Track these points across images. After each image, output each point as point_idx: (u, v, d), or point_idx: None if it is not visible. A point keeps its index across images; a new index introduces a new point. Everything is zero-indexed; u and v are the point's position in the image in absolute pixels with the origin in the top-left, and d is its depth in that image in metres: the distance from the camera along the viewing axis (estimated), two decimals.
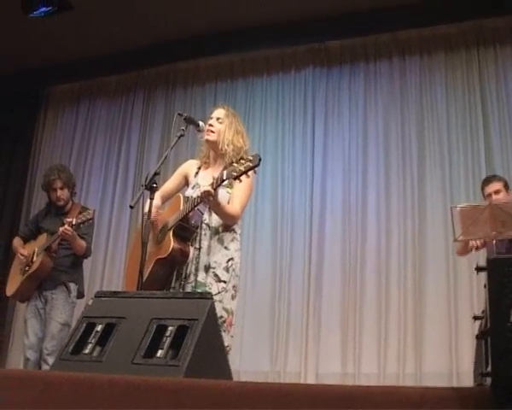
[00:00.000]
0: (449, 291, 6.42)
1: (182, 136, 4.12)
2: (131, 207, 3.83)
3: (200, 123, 4.32)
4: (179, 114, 4.20)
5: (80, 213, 5.68)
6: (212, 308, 2.58)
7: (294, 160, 7.34)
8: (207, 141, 4.36)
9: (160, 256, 4.01)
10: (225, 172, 3.77)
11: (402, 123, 7.02)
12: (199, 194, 3.97)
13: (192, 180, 4.41)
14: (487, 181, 5.07)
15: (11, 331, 8.21)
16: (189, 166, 4.53)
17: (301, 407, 1.65)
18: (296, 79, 7.64)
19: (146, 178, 3.83)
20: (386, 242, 6.79)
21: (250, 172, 3.80)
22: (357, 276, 6.76)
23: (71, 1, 7.54)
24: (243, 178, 3.83)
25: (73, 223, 5.43)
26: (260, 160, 3.69)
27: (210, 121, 4.37)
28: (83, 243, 5.77)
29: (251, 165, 3.67)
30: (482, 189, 5.06)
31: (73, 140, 8.87)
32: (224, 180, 3.78)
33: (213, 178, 3.89)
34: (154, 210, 3.99)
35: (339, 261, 6.86)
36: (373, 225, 6.87)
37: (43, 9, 7.65)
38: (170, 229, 4.04)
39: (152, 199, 3.83)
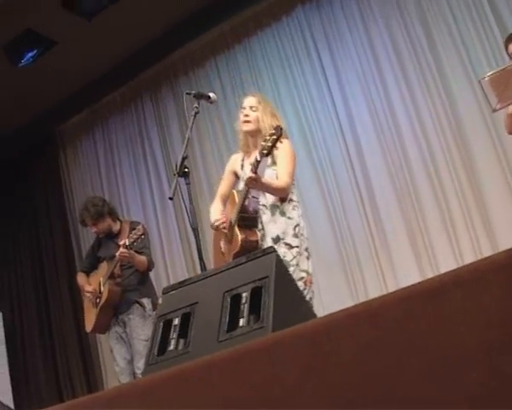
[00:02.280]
0: (500, 163, 6.21)
1: (197, 113, 4.16)
2: (171, 198, 3.83)
3: (211, 94, 4.36)
4: (187, 93, 4.25)
5: (131, 229, 5.70)
6: (279, 260, 2.51)
7: (313, 100, 7.21)
8: (246, 131, 4.51)
9: (234, 252, 4.15)
10: (258, 155, 3.98)
11: (403, 20, 6.78)
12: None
13: (241, 174, 4.57)
14: (510, 38, 4.82)
15: (101, 365, 8.41)
16: (234, 161, 4.72)
17: (394, 313, 1.56)
18: (290, 23, 7.47)
19: (176, 166, 3.84)
20: (425, 139, 6.62)
21: (285, 139, 4.21)
22: (409, 184, 6.63)
23: (54, 37, 7.50)
24: (281, 147, 4.09)
25: (127, 244, 5.46)
26: (281, 129, 3.92)
27: (244, 111, 4.49)
28: (143, 259, 5.79)
29: (275, 137, 3.86)
30: (506, 47, 4.81)
31: (99, 166, 8.93)
32: (259, 162, 3.98)
33: (250, 164, 4.10)
34: (219, 215, 4.41)
35: (387, 178, 6.74)
36: (408, 129, 6.70)
37: (30, 55, 7.65)
38: (234, 224, 4.22)
39: (188, 184, 3.94)
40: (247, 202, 4.21)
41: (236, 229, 4.19)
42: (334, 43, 7.14)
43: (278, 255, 2.54)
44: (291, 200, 4.36)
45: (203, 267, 3.56)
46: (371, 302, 1.70)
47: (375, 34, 6.92)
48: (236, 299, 2.46)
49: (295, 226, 4.26)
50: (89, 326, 6.00)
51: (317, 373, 1.62)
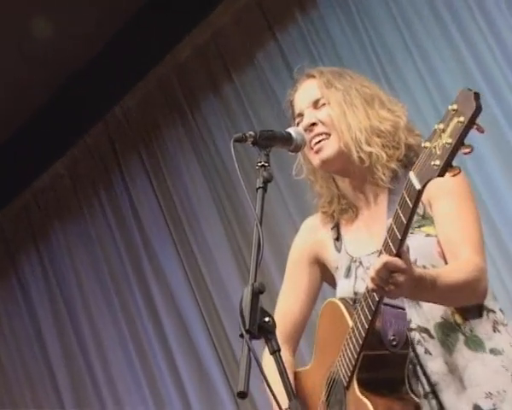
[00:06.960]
0: None
1: (268, 181, 2.86)
2: (242, 394, 2.50)
3: (292, 132, 3.08)
4: (236, 140, 2.91)
5: None
6: None
7: None
8: (323, 164, 3.26)
9: None
10: (414, 177, 2.57)
11: None
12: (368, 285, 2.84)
13: (336, 259, 3.38)
14: None
15: None
16: (313, 234, 3.54)
17: None
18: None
19: (241, 314, 2.56)
20: None
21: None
22: None
23: None
24: (446, 184, 2.81)
25: None
26: (478, 95, 2.38)
27: (304, 122, 3.25)
28: None
29: (464, 120, 2.36)
30: None
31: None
32: (417, 201, 2.60)
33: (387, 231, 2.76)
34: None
35: None
36: None
37: None
38: (349, 383, 3.04)
39: (278, 352, 2.61)
40: (378, 324, 2.98)
41: (358, 393, 3.00)
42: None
43: None
44: (485, 308, 3.12)
45: None
46: None
47: None
48: None
49: None
50: None
51: None
